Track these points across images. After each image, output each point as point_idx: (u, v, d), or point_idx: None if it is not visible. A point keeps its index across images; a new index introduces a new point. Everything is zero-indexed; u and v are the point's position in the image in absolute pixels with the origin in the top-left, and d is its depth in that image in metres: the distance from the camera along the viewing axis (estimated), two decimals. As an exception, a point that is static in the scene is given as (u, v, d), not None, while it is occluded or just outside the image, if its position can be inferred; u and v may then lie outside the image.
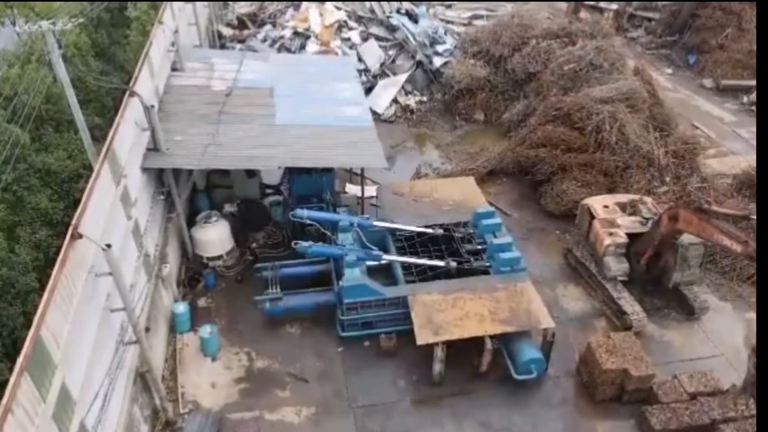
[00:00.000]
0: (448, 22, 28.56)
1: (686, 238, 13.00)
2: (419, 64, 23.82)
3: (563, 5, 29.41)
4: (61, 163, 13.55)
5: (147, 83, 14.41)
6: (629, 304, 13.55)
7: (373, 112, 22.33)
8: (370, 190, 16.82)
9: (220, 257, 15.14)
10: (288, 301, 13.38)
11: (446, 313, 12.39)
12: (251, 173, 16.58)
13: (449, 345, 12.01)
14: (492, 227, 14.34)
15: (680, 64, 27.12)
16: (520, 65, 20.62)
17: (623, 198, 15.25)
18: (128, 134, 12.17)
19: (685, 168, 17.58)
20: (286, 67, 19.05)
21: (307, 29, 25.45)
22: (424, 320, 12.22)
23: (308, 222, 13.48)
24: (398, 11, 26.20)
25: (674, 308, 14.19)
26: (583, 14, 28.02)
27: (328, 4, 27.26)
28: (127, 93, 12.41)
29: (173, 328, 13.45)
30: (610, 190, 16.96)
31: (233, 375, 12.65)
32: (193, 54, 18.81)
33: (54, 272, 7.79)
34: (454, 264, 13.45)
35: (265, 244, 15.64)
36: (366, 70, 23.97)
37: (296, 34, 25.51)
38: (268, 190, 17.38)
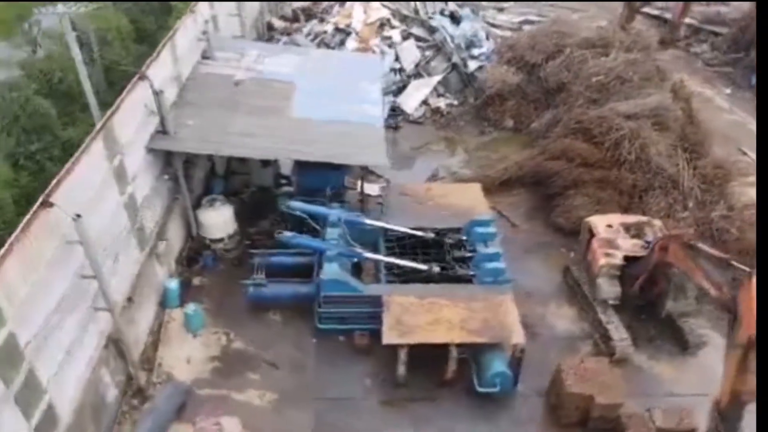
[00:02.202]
0: (496, 26, 28.16)
1: (683, 266, 12.28)
2: (454, 66, 23.64)
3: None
4: (83, 137, 14.53)
5: (167, 68, 15.15)
6: (616, 329, 12.98)
7: (402, 112, 22.59)
8: (376, 189, 16.93)
9: (221, 240, 15.71)
10: (271, 289, 13.74)
11: (418, 316, 12.35)
12: (266, 162, 17.08)
13: (420, 349, 11.97)
14: (485, 236, 14.12)
15: (741, 84, 25.41)
16: (552, 74, 20.05)
17: (630, 219, 14.57)
18: (133, 115, 12.85)
19: (713, 194, 16.57)
20: (314, 62, 19.40)
21: (348, 26, 25.81)
22: (394, 321, 12.24)
23: (300, 214, 13.76)
24: (442, 12, 26.09)
25: (669, 340, 13.45)
26: (639, 24, 26.78)
27: (375, 3, 27.55)
28: (137, 76, 13.12)
29: (164, 303, 14.08)
30: (626, 210, 16.24)
31: (210, 353, 13.15)
32: (228, 44, 19.48)
33: (13, 237, 8.43)
34: (437, 269, 13.36)
35: (266, 231, 16.05)
36: (401, 70, 24.08)
37: (338, 30, 25.93)
38: (283, 180, 17.83)
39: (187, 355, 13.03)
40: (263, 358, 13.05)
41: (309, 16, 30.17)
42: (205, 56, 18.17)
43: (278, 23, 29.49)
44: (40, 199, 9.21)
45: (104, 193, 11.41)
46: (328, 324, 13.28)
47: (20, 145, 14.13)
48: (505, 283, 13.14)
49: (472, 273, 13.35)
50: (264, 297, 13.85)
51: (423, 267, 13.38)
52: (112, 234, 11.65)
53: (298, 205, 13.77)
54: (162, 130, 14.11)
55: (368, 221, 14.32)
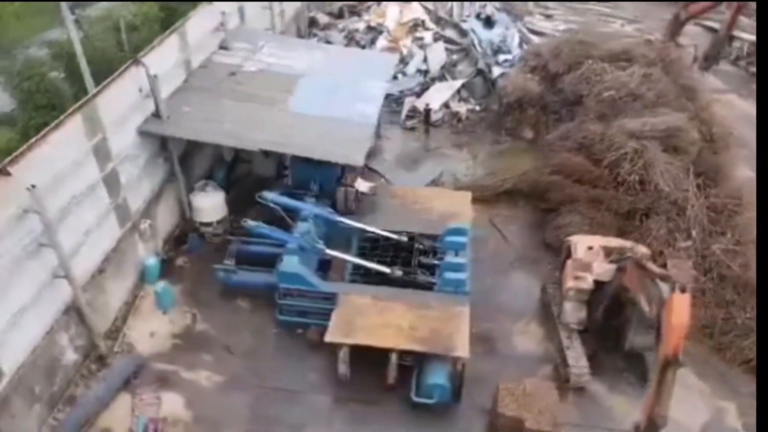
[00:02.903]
0: (538, 33, 27.40)
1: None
2: (480, 72, 23.24)
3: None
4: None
5: (173, 55, 15.82)
6: (575, 356, 12.42)
7: (419, 112, 22.43)
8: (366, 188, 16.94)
9: (210, 224, 16.26)
10: (240, 276, 14.12)
11: (368, 318, 12.33)
12: (267, 153, 17.50)
13: (371, 351, 11.91)
14: (456, 245, 13.86)
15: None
16: (571, 85, 19.28)
17: (614, 243, 13.82)
18: (123, 97, 13.53)
19: (722, 225, 15.45)
20: (328, 58, 19.64)
21: (381, 24, 25.91)
22: (343, 320, 12.29)
23: (272, 205, 14.04)
24: (477, 16, 25.68)
25: (636, 373, 12.70)
26: (694, 39, 25.21)
27: (414, 3, 27.53)
28: (131, 61, 13.82)
29: (144, 278, 14.77)
30: (621, 234, 15.45)
31: (173, 330, 13.71)
32: (249, 36, 19.99)
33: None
34: (399, 273, 13.27)
35: (254, 219, 16.43)
36: (426, 72, 23.95)
37: (370, 28, 26.10)
38: (285, 171, 18.21)
39: (152, 330, 13.63)
40: (221, 342, 13.43)
41: (353, 13, 30.54)
42: (222, 46, 18.85)
43: (323, 19, 29.99)
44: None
45: (80, 168, 12.11)
46: (287, 316, 13.50)
47: (32, 119, 15.22)
48: (464, 295, 12.85)
49: (433, 281, 13.14)
50: (233, 283, 14.26)
51: (385, 270, 13.32)
52: (85, 207, 12.36)
53: (271, 197, 14.04)
54: (156, 114, 14.78)
55: (341, 219, 14.39)
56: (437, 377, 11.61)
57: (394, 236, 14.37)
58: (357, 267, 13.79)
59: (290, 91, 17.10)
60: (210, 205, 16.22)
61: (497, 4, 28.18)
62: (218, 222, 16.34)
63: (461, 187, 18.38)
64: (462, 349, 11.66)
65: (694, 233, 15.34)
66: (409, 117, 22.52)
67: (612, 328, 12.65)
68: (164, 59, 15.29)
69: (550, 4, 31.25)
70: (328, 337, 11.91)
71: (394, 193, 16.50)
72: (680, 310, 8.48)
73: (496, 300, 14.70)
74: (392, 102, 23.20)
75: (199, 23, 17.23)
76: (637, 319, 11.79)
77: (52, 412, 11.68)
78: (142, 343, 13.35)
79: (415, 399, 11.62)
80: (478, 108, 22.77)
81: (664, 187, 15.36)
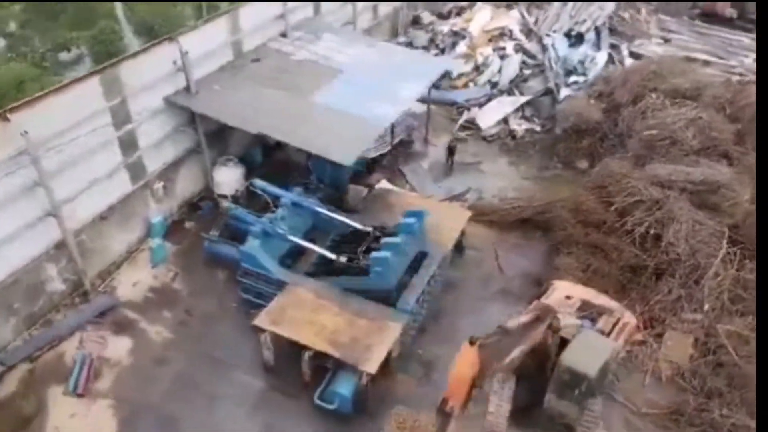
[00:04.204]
0: (641, 57, 25.02)
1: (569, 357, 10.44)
2: (549, 91, 21.92)
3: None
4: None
5: (218, 36, 17.13)
6: (498, 402, 11.54)
7: (475, 126, 21.82)
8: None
9: (226, 197, 17.47)
10: (219, 247, 15.10)
11: (300, 312, 12.58)
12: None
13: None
14: (406, 227, 13.47)
15: None
16: (628, 118, 17.54)
17: (600, 300, 12.51)
18: (154, 68, 15.01)
19: (744, 306, 13.27)
20: (379, 55, 19.80)
21: (465, 29, 25.39)
22: (277, 307, 12.69)
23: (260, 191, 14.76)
24: (568, 33, 24.13)
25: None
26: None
27: (513, 11, 26.60)
28: (166, 37, 15.29)
29: (149, 233, 16.35)
30: (622, 289, 14.01)
31: (153, 284, 15.08)
32: (313, 27, 20.82)
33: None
34: (343, 259, 13.28)
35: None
36: (495, 83, 23.15)
37: (454, 33, 25.70)
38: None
39: (136, 280, 15.14)
40: (186, 304, 14.53)
41: (459, 15, 30.21)
42: (282, 34, 19.92)
43: (427, 18, 30.01)
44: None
45: (92, 123, 13.76)
46: (246, 294, 14.17)
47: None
48: (404, 313, 12.56)
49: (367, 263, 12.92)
50: (213, 252, 15.31)
51: (332, 256, 13.40)
52: (95, 160, 14.03)
53: (259, 184, 14.78)
54: (186, 88, 16.18)
55: (321, 210, 14.63)
56: (341, 386, 11.58)
57: (361, 228, 14.24)
58: (322, 260, 13.99)
59: (322, 84, 17.63)
60: (229, 179, 17.39)
61: (605, 21, 26.12)
62: (232, 195, 17.44)
63: (479, 206, 17.69)
64: (371, 364, 11.47)
65: (706, 307, 13.40)
66: (463, 127, 22.00)
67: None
68: (208, 39, 16.64)
69: (673, 26, 28.26)
70: (256, 321, 12.38)
71: (394, 197, 16.38)
72: (462, 361, 7.95)
73: (459, 326, 14.08)
74: (455, 110, 22.86)
75: (255, 10, 18.37)
76: (553, 381, 10.70)
77: (29, 329, 13.57)
78: (123, 288, 14.89)
79: (317, 401, 11.69)
80: (538, 129, 21.55)
81: (680, 247, 13.49)
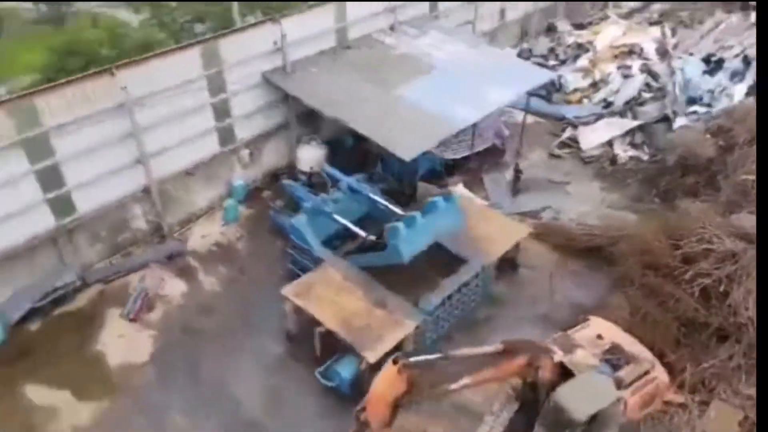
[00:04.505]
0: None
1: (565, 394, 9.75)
2: (665, 118, 20.09)
3: None
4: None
5: (322, 23, 18.10)
6: (492, 423, 11.13)
7: (576, 144, 20.76)
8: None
9: (305, 173, 18.52)
10: (279, 217, 16.13)
11: (326, 290, 13.07)
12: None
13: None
14: (430, 207, 13.31)
15: None
16: (737, 160, 15.62)
17: (635, 348, 11.51)
18: (254, 45, 16.39)
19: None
20: (479, 56, 19.52)
21: (590, 43, 24.03)
22: (306, 281, 13.32)
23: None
24: (708, 57, 21.85)
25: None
26: None
27: (652, 28, 24.76)
28: (268, 18, 16.55)
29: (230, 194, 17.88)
30: (675, 342, 12.70)
31: (218, 240, 16.53)
32: (423, 22, 21.05)
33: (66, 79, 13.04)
34: (372, 238, 13.57)
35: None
36: (610, 103, 21.75)
37: (578, 45, 24.44)
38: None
39: (206, 233, 16.69)
40: (241, 263, 15.76)
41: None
42: (391, 27, 20.47)
43: (564, 27, 28.89)
44: (108, 67, 13.63)
45: (189, 87, 15.39)
46: (292, 266, 15.01)
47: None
48: (423, 312, 12.57)
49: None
50: (277, 222, 16.37)
51: (362, 233, 13.74)
52: (188, 120, 15.70)
53: (287, 184, 15.80)
54: (282, 67, 17.38)
55: (376, 198, 14.91)
56: (344, 367, 11.94)
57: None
58: (362, 246, 14.34)
59: (412, 78, 17.90)
60: (310, 157, 18.38)
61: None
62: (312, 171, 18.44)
63: (550, 226, 16.92)
64: (373, 354, 11.64)
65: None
66: (563, 144, 21.01)
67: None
68: (312, 24, 17.70)
69: None
70: (283, 290, 13.11)
71: (472, 206, 16.14)
72: (382, 379, 7.65)
73: (487, 342, 13.64)
74: (561, 124, 21.91)
75: (360, 3, 19.07)
76: (543, 412, 10.05)
77: (110, 257, 15.65)
78: (194, 239, 16.52)
79: (317, 374, 12.16)
80: (645, 158, 19.87)
81: (750, 311, 11.88)
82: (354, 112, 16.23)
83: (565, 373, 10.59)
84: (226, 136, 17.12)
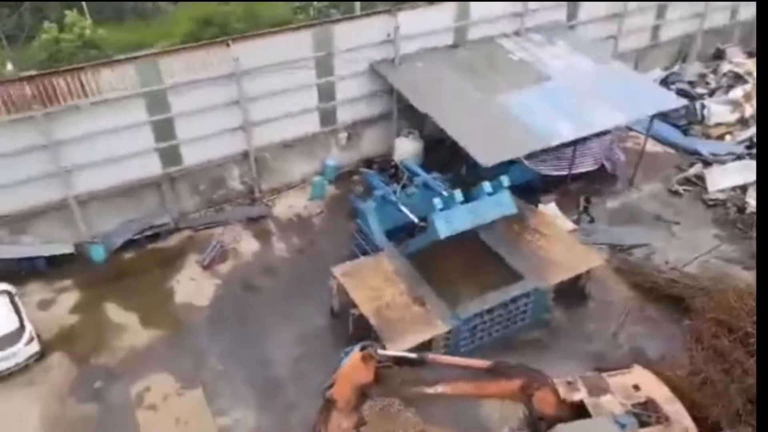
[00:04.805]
0: None
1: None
2: (816, 170, 17.15)
3: None
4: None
5: (440, 20, 18.21)
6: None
7: (701, 184, 18.74)
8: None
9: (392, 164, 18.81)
10: (356, 202, 16.65)
11: (373, 277, 13.27)
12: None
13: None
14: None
15: None
16: None
17: (672, 407, 10.27)
18: (366, 34, 17.08)
19: None
20: (601, 74, 18.29)
21: (749, 73, 21.24)
22: (357, 265, 13.68)
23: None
24: None
25: None
26: None
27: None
28: (385, 10, 17.06)
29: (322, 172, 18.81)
30: (736, 416, 11.07)
31: (300, 212, 17.57)
32: (553, 31, 20.12)
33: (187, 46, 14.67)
34: (421, 223, 13.74)
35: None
36: (754, 144, 19.18)
37: (736, 76, 21.73)
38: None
39: (291, 204, 17.82)
40: (313, 239, 16.61)
41: None
42: (516, 32, 19.95)
43: (735, 55, 25.81)
44: (225, 39, 15.10)
45: (298, 66, 16.46)
46: (355, 249, 15.44)
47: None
48: (456, 318, 12.34)
49: None
50: (353, 206, 16.92)
51: (415, 219, 13.98)
52: (291, 97, 16.83)
53: (364, 172, 16.96)
54: (391, 59, 17.83)
55: (401, 206, 14.77)
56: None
57: None
58: (412, 232, 14.41)
59: (519, 86, 17.37)
60: (405, 149, 18.75)
61: None
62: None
63: (638, 265, 15.50)
64: (396, 345, 11.64)
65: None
66: (686, 181, 18.97)
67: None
68: (429, 19, 17.91)
69: None
70: (333, 268, 13.59)
71: (531, 217, 15.41)
72: (350, 362, 7.49)
73: (517, 356, 12.98)
74: (694, 160, 19.81)
75: (490, 3, 18.81)
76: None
77: (204, 209, 17.37)
78: (279, 207, 17.72)
79: (341, 354, 12.42)
80: (781, 209, 17.20)
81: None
82: (447, 111, 16.18)
83: (582, 413, 9.88)
84: (327, 117, 18.05)
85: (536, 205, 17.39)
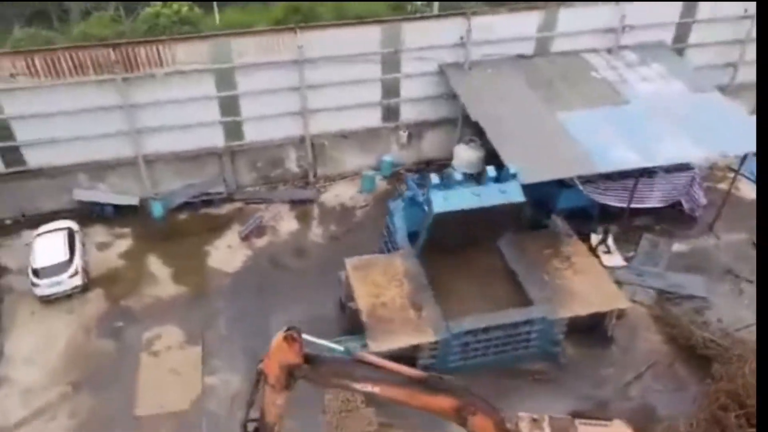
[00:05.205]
0: None
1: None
2: None
3: None
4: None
5: (524, 28, 17.58)
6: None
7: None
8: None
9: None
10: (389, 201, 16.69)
11: (381, 274, 13.32)
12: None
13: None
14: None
15: None
16: None
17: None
18: (437, 35, 16.98)
19: None
20: (692, 104, 16.53)
21: None
22: (369, 261, 13.77)
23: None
24: None
25: None
26: None
27: None
28: (460, 12, 16.84)
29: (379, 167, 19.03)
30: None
31: (346, 202, 17.98)
32: (650, 52, 18.47)
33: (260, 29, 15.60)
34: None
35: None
36: None
37: None
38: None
39: (340, 193, 18.27)
40: (350, 228, 16.96)
41: None
42: (608, 50, 18.64)
43: None
44: (292, 27, 15.85)
45: (360, 59, 16.77)
46: (382, 245, 15.45)
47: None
48: (446, 331, 12.02)
49: None
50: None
51: None
52: (354, 88, 17.23)
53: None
54: (462, 63, 17.55)
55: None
56: (348, 343, 12.16)
57: None
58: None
59: (590, 106, 16.30)
60: (465, 156, 18.33)
61: None
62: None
63: (680, 316, 13.95)
64: (377, 343, 11.70)
65: None
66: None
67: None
68: (509, 26, 17.38)
69: None
70: (346, 259, 13.79)
71: (572, 246, 14.44)
72: (276, 339, 7.64)
73: (508, 390, 12.32)
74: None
75: (580, 16, 17.78)
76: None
77: (260, 184, 18.40)
78: (327, 194, 18.27)
79: (331, 341, 12.61)
80: None
81: None
82: (501, 122, 15.64)
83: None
84: (389, 114, 18.24)
85: (588, 234, 16.31)
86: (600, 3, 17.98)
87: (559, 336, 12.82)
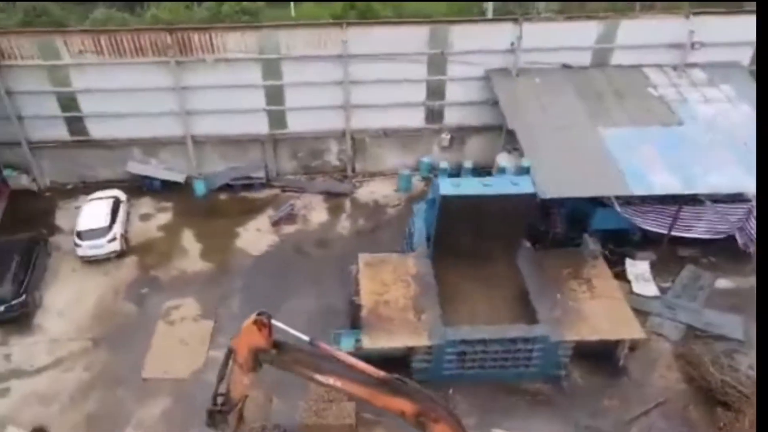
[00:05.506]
0: None
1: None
2: None
3: None
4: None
5: (581, 38, 16.91)
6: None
7: None
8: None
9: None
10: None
11: (390, 272, 13.43)
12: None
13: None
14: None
15: None
16: None
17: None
18: (486, 39, 16.70)
19: None
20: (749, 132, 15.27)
21: None
22: (382, 258, 13.87)
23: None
24: None
25: None
26: None
27: None
28: (512, 17, 16.45)
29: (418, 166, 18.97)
30: None
31: (379, 199, 18.11)
32: (720, 71, 17.20)
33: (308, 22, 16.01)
34: None
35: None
36: None
37: None
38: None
39: (376, 190, 18.42)
40: (379, 223, 17.10)
41: None
42: (674, 67, 17.53)
43: None
44: (339, 22, 16.14)
45: (405, 58, 16.77)
46: (405, 245, 15.48)
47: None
48: (441, 337, 11.86)
49: None
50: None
51: None
52: (397, 87, 17.30)
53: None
54: (510, 69, 17.13)
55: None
56: (347, 336, 12.51)
57: None
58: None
59: (639, 124, 15.50)
60: (505, 163, 17.91)
61: None
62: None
63: (700, 358, 12.94)
64: (371, 340, 11.81)
65: None
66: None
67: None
68: (563, 35, 16.80)
69: None
70: (360, 254, 13.93)
71: (594, 269, 13.77)
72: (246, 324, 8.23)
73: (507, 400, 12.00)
74: None
75: (646, 29, 16.89)
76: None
77: (300, 173, 18.89)
78: (363, 190, 18.47)
79: (332, 334, 12.86)
80: None
81: None
82: (538, 132, 15.19)
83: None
84: (432, 115, 18.14)
85: (624, 259, 15.48)
86: (667, 17, 16.96)
87: (563, 358, 12.30)
